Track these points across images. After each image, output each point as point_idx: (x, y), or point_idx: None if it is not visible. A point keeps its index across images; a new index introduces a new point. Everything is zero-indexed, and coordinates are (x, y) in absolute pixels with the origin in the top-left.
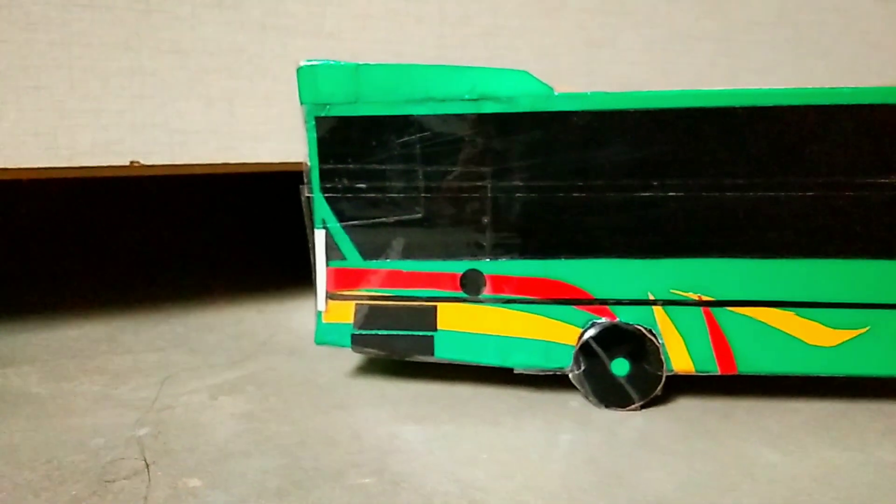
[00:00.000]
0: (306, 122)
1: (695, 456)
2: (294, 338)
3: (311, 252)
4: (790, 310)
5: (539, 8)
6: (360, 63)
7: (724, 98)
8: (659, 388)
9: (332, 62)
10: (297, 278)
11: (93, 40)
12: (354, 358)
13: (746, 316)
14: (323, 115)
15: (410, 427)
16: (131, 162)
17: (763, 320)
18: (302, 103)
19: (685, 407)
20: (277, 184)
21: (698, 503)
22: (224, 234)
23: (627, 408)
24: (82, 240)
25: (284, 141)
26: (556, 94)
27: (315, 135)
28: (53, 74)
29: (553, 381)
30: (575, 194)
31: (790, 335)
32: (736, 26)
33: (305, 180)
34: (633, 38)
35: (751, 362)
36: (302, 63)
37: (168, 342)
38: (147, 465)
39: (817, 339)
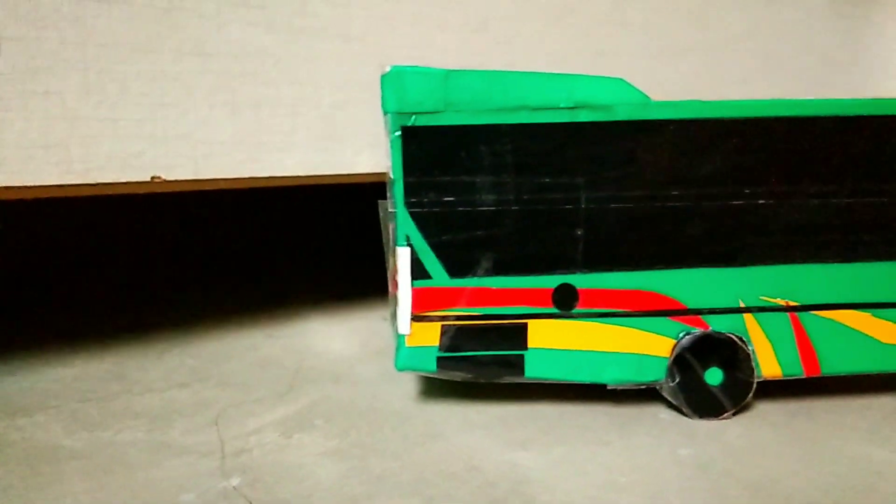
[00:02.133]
0: (390, 132)
1: (814, 460)
2: (326, 363)
3: (388, 271)
4: (867, 311)
5: (552, 15)
6: (450, 69)
7: (815, 108)
8: (750, 395)
9: (419, 68)
10: (287, 296)
11: (109, 40)
12: (409, 382)
13: (829, 319)
14: (409, 124)
15: (521, 453)
16: (152, 177)
17: (843, 322)
18: (385, 112)
19: (768, 412)
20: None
21: None
22: (195, 253)
23: (720, 417)
24: (44, 267)
25: (311, 152)
26: (652, 102)
27: (400, 146)
28: (66, 78)
29: (631, 395)
30: (670, 204)
31: (867, 335)
32: (716, 39)
33: (388, 194)
34: (632, 48)
35: (833, 363)
36: (387, 68)
37: (188, 376)
38: None
39: (892, 338)
